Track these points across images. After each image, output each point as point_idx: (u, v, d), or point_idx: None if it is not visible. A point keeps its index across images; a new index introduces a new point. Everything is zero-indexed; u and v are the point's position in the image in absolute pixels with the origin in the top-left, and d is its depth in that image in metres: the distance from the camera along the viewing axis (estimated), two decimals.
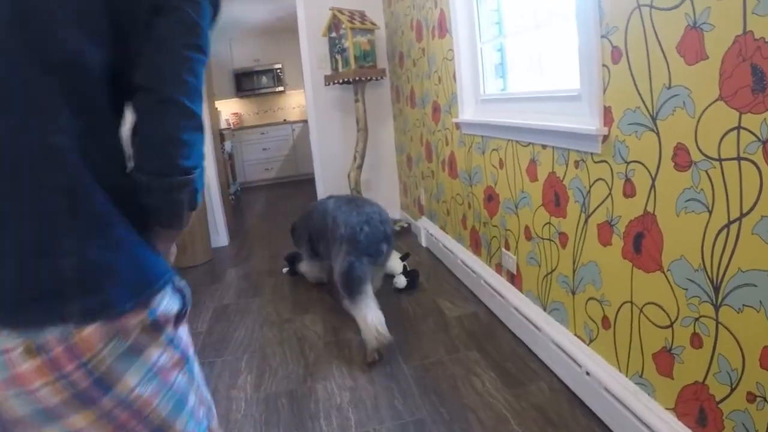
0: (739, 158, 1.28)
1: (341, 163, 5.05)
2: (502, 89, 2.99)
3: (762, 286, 1.27)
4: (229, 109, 9.38)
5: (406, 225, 4.92)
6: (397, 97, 4.95)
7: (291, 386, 2.42)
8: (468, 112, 3.14)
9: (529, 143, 2.36)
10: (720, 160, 1.34)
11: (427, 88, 3.90)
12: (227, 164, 6.79)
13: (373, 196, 4.99)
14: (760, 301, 1.28)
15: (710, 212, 1.39)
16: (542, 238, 2.34)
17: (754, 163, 1.24)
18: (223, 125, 8.24)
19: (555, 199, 2.18)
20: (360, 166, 4.66)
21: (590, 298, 2.02)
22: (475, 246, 3.30)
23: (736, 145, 1.29)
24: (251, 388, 2.44)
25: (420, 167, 4.38)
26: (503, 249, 2.82)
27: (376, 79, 4.72)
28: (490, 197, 2.90)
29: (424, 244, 4.40)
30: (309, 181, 5.87)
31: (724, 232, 1.36)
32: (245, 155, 8.95)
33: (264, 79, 9.18)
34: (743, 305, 1.33)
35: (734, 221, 1.33)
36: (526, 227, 2.50)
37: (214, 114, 6.06)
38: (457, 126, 3.28)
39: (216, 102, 6.69)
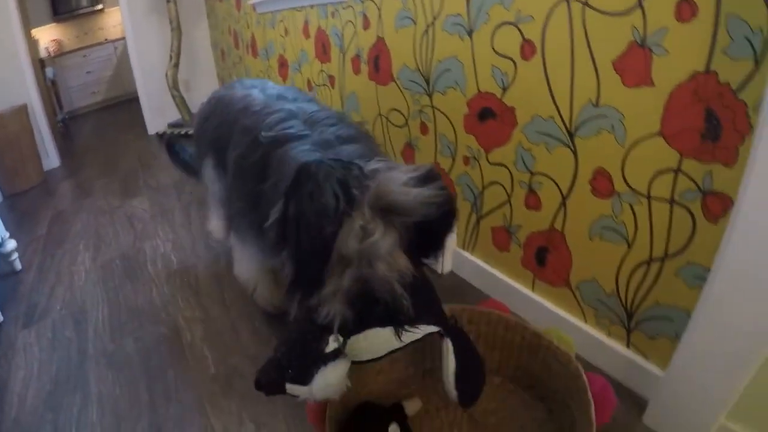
0: None
1: (164, 71, 5.16)
2: None
3: (454, 69, 1.71)
4: (47, 36, 8.94)
5: None
6: None
7: (122, 251, 2.75)
8: None
9: (302, 7, 2.71)
10: None
11: None
12: (51, 91, 6.67)
13: (194, 95, 5.23)
14: (455, 81, 1.71)
15: (415, 23, 1.81)
16: (318, 85, 2.75)
17: None
18: (43, 54, 7.98)
19: (323, 49, 2.58)
20: (176, 65, 4.81)
21: None
22: None
23: None
24: (89, 261, 2.73)
25: (231, 57, 4.62)
26: None
27: None
28: (282, 64, 3.26)
29: None
30: (137, 99, 5.98)
31: (425, 35, 1.79)
32: (69, 81, 8.65)
33: None
34: (446, 87, 1.77)
35: (430, 24, 1.76)
36: (308, 80, 2.90)
37: (32, 44, 5.91)
38: (254, 8, 3.55)
39: (33, 31, 6.48)
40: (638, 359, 1.44)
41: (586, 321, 1.57)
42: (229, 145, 1.62)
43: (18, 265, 2.84)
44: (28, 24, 5.53)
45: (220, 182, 1.83)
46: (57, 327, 2.19)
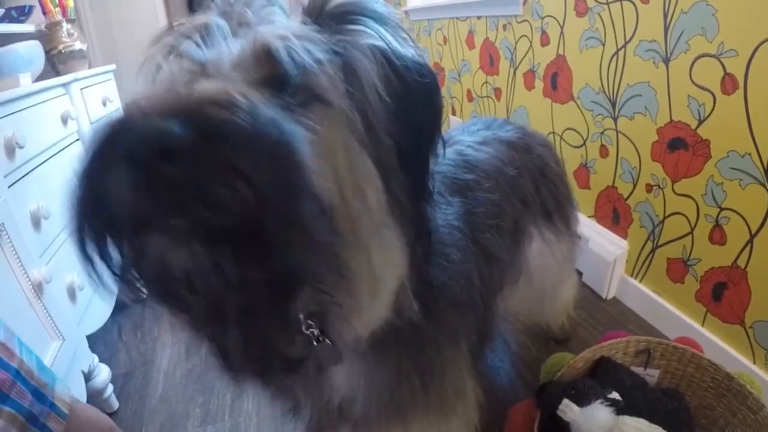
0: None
1: None
2: None
3: (645, 95, 1.61)
4: None
5: None
6: None
7: None
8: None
9: (467, 17, 2.65)
10: (608, 3, 1.67)
11: None
12: None
13: None
14: (645, 107, 1.61)
15: (603, 45, 1.73)
16: (481, 97, 2.69)
17: (632, 2, 1.57)
18: None
19: (490, 61, 2.51)
20: None
21: None
22: None
23: None
24: None
25: None
26: (450, 116, 3.16)
27: None
28: (437, 72, 3.19)
29: None
30: None
31: (614, 57, 1.70)
32: None
33: None
34: (633, 113, 1.67)
35: (621, 48, 1.67)
36: (468, 90, 2.84)
37: None
38: (407, 14, 3.51)
39: None
40: None
41: (754, 361, 1.45)
42: None
43: (114, 403, 1.77)
44: None
45: None
46: None
